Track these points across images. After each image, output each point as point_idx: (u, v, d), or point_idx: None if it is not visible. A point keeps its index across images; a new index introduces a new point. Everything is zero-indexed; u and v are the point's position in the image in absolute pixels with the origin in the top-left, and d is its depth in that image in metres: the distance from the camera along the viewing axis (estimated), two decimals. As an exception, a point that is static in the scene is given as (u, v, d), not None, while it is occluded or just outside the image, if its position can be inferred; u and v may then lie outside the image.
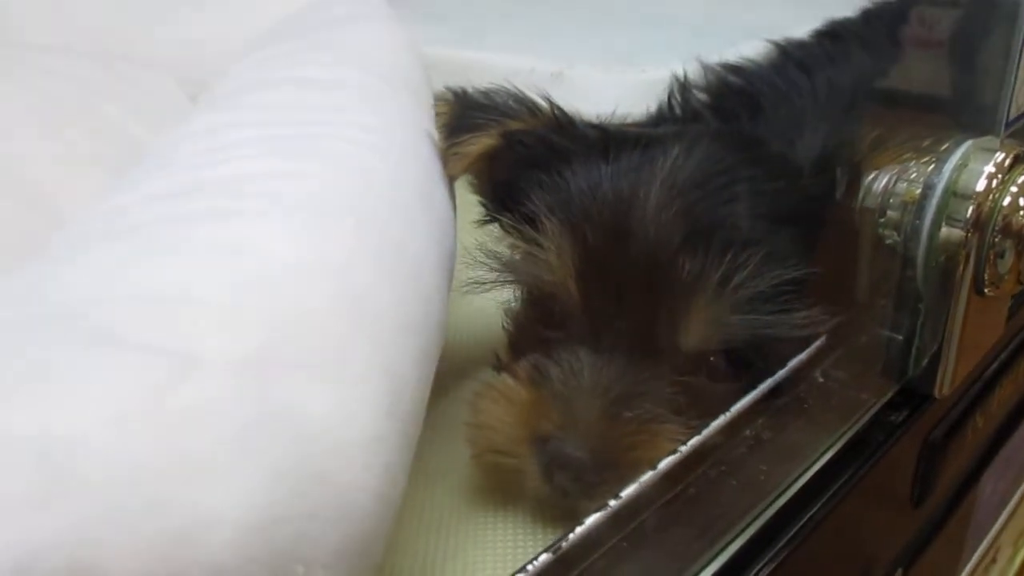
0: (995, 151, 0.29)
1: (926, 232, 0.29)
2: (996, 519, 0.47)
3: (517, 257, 0.38)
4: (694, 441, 0.28)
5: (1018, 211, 0.29)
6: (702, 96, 0.51)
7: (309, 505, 0.18)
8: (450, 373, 0.45)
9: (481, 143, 0.40)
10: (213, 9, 0.76)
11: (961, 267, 0.29)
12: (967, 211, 0.29)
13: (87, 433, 0.15)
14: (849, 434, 0.31)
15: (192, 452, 0.16)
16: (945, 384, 0.30)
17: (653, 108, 0.56)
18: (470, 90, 0.45)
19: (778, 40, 0.55)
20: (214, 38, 0.73)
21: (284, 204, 0.27)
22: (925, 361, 0.30)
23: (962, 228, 0.28)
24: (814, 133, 0.38)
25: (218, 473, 0.17)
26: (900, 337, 0.31)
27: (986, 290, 0.29)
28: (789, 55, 0.50)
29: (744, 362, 0.34)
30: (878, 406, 0.31)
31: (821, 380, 0.33)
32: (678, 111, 0.52)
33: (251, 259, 0.22)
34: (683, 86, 0.53)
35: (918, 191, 0.30)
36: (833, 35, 0.54)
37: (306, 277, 0.23)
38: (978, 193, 0.29)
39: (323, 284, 0.23)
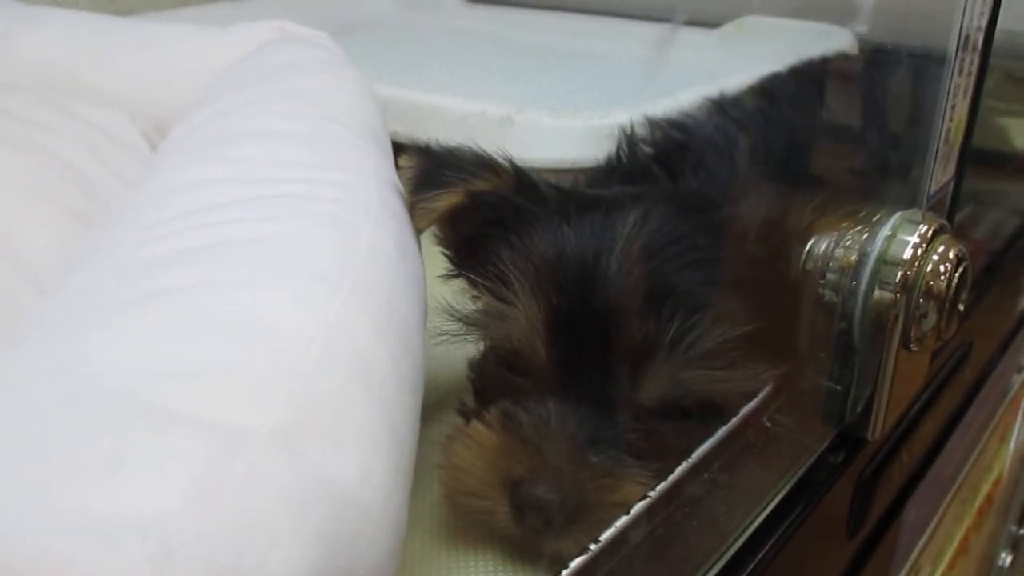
0: (919, 223, 0.33)
1: (861, 294, 0.33)
2: (917, 542, 0.51)
3: (484, 314, 0.40)
4: (662, 485, 0.31)
5: (938, 277, 0.33)
6: (648, 150, 0.55)
7: (344, 563, 0.20)
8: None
9: (447, 200, 0.43)
10: (160, 47, 0.76)
11: (891, 326, 0.32)
12: (896, 276, 0.32)
13: (173, 508, 0.17)
14: (796, 476, 0.34)
15: (254, 520, 0.18)
16: (878, 428, 0.34)
17: (601, 157, 0.60)
18: (434, 145, 0.47)
19: (715, 97, 0.59)
20: (164, 76, 0.74)
21: (282, 272, 0.28)
22: (860, 408, 0.34)
23: (892, 291, 0.32)
24: (757, 197, 0.42)
25: (276, 538, 0.18)
26: (838, 387, 0.35)
27: (912, 346, 0.33)
28: (727, 113, 0.54)
29: (698, 411, 0.37)
30: (820, 450, 0.34)
31: (769, 425, 0.36)
32: (626, 163, 0.55)
33: (263, 329, 0.24)
34: (630, 140, 0.56)
35: (854, 257, 0.33)
36: (765, 93, 0.58)
37: (315, 344, 0.25)
38: (905, 260, 0.32)
39: (331, 350, 0.25)
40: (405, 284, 0.36)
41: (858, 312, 0.33)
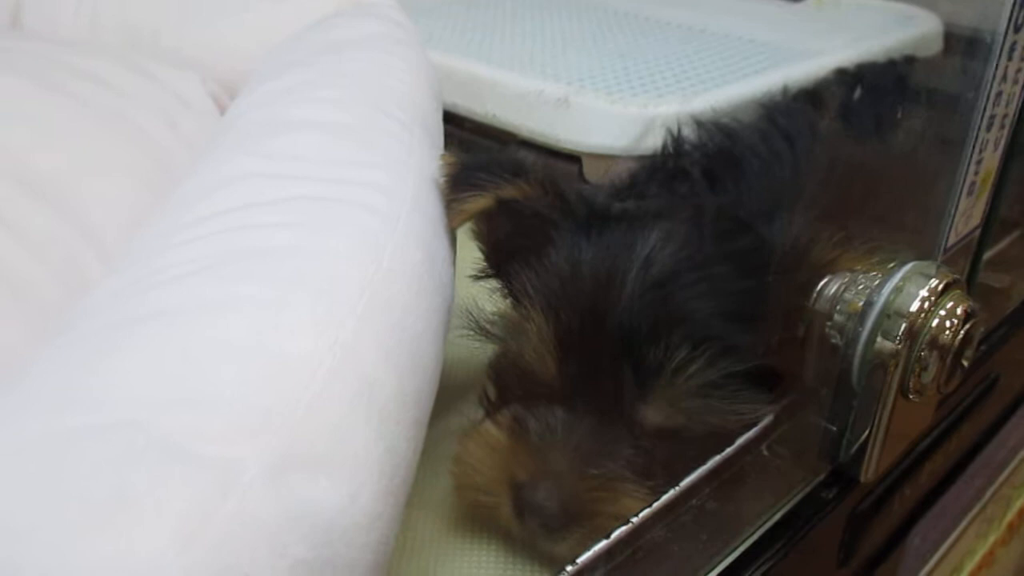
0: (931, 276, 0.33)
1: (863, 341, 0.33)
2: (928, 561, 0.51)
3: (500, 322, 0.42)
4: (648, 510, 0.33)
5: (944, 331, 0.33)
6: (694, 153, 0.55)
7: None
8: (440, 403, 0.49)
9: (476, 202, 0.44)
10: (236, 11, 0.79)
11: (890, 375, 0.33)
12: (900, 328, 0.33)
13: (163, 553, 0.19)
14: (786, 507, 0.35)
15: (235, 559, 0.20)
16: (870, 471, 0.34)
17: (654, 145, 0.60)
18: (475, 152, 0.48)
19: (769, 100, 0.59)
20: (237, 40, 0.76)
21: (297, 290, 0.30)
22: (854, 450, 0.35)
23: (893, 342, 0.33)
24: (786, 223, 0.42)
25: (255, 573, 0.21)
26: (834, 427, 0.35)
27: (911, 396, 0.33)
28: (776, 122, 0.53)
29: (699, 435, 0.39)
30: (812, 484, 0.35)
31: (766, 453, 0.37)
32: (670, 164, 0.55)
33: (270, 355, 0.26)
34: (676, 140, 0.56)
35: (861, 303, 0.34)
36: (819, 100, 0.57)
37: (322, 370, 0.27)
38: (911, 313, 0.33)
39: (337, 376, 0.27)
40: (426, 294, 0.37)
41: (858, 358, 0.33)
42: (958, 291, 0.33)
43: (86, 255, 0.49)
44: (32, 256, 0.47)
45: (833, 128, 0.53)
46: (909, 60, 0.69)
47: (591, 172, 0.72)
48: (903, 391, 0.33)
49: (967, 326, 0.33)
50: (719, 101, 0.74)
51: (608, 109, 0.71)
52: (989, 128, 0.33)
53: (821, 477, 0.36)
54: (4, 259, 0.45)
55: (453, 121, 0.82)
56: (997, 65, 0.31)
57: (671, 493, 0.36)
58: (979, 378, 0.46)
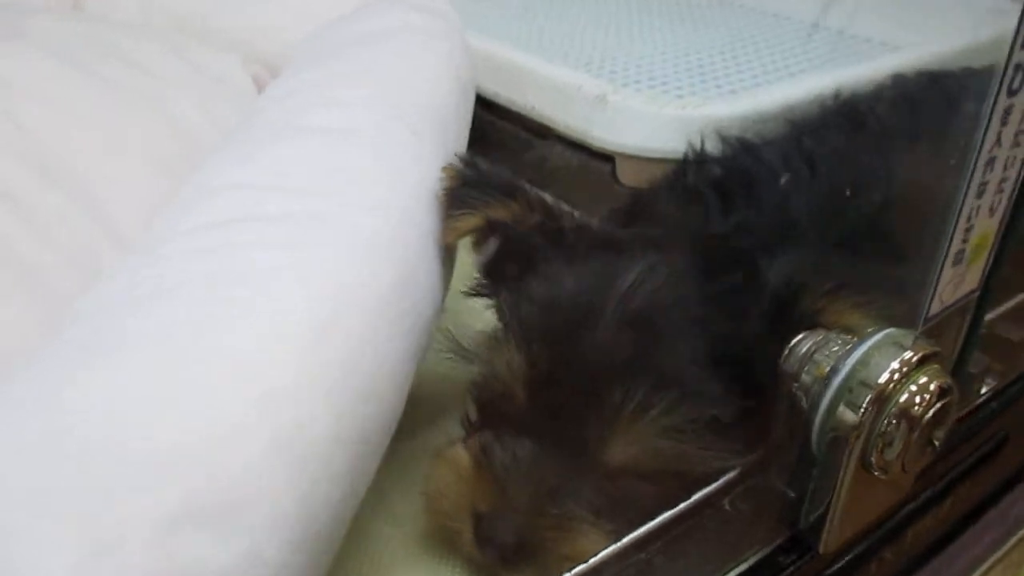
0: (906, 348, 0.31)
1: (824, 408, 0.31)
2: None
3: (477, 347, 0.41)
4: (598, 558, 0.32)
5: (913, 407, 0.31)
6: (713, 172, 0.53)
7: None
8: (425, 417, 0.50)
9: (468, 221, 0.44)
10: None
11: (850, 447, 0.31)
12: (865, 399, 0.31)
13: None
14: (740, 567, 0.34)
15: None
16: (829, 544, 0.33)
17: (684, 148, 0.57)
18: (479, 163, 0.47)
19: (798, 117, 0.56)
20: (280, 23, 0.77)
21: (250, 326, 0.31)
22: (813, 519, 0.33)
23: (856, 413, 0.31)
24: (783, 263, 0.40)
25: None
26: (793, 494, 0.34)
27: (875, 472, 0.32)
28: (802, 144, 0.51)
29: (663, 480, 0.38)
30: (770, 548, 0.34)
31: (728, 508, 0.36)
32: (688, 180, 0.53)
33: (198, 402, 0.27)
34: (699, 156, 0.54)
35: (828, 368, 0.32)
36: (855, 121, 0.54)
37: (249, 415, 0.27)
38: (878, 384, 0.31)
39: (261, 425, 0.27)
40: (393, 320, 0.37)
41: (818, 425, 0.32)
42: (935, 366, 0.31)
43: (98, 240, 0.50)
44: (42, 241, 0.48)
45: (863, 153, 0.50)
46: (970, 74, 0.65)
47: (624, 173, 0.71)
48: (865, 465, 0.31)
49: (940, 404, 0.31)
50: (769, 103, 0.71)
51: (644, 109, 0.69)
52: (981, 195, 0.30)
53: (779, 541, 0.34)
54: (13, 243, 0.47)
55: (495, 111, 0.81)
56: (987, 129, 0.28)
57: (624, 541, 0.35)
58: (984, 437, 0.43)
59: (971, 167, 0.29)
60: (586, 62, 0.77)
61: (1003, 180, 0.31)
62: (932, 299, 0.32)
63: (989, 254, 0.33)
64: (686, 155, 0.55)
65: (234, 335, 0.30)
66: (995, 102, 0.28)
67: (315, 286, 0.34)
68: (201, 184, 0.44)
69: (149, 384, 0.27)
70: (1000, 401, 0.43)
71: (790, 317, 0.37)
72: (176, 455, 0.25)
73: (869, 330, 0.32)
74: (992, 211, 0.31)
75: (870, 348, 0.31)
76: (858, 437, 0.31)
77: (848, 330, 0.37)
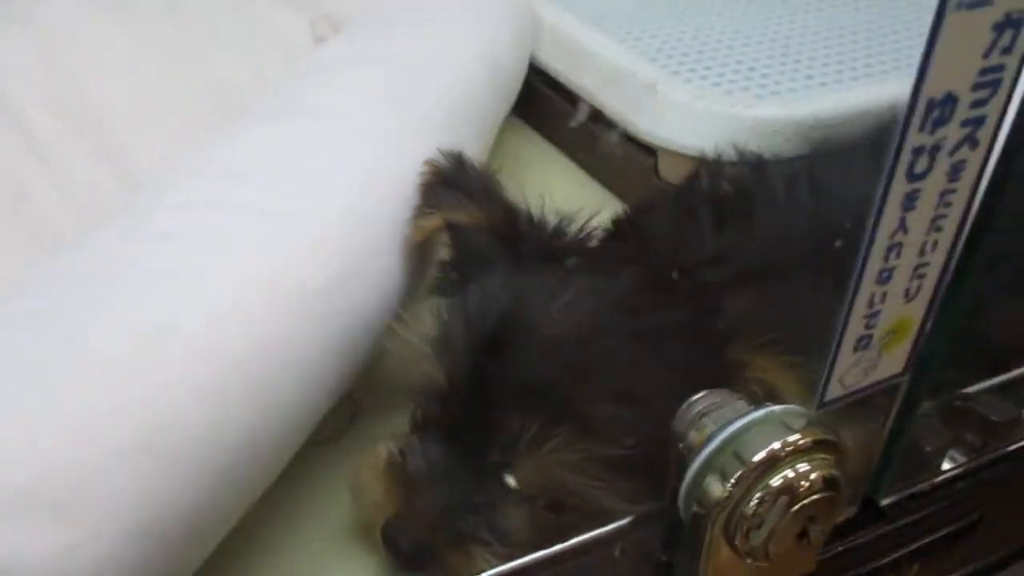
0: (795, 430, 0.29)
1: (693, 473, 0.30)
2: None
3: (407, 350, 0.41)
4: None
5: (785, 493, 0.29)
6: (724, 186, 0.50)
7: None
8: (374, 412, 0.50)
9: (430, 221, 0.44)
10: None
11: (713, 521, 0.29)
12: (735, 474, 0.29)
13: None
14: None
15: None
16: (698, 617, 0.31)
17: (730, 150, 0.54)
18: (464, 160, 0.46)
19: (820, 142, 0.51)
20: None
21: (146, 317, 0.32)
22: (685, 586, 0.32)
23: (723, 487, 0.29)
24: (735, 306, 0.38)
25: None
26: (664, 558, 0.32)
27: (744, 555, 0.30)
28: (811, 171, 0.47)
29: (561, 511, 0.37)
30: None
31: (617, 555, 0.35)
32: (696, 192, 0.50)
33: (57, 397, 0.29)
34: (712, 168, 0.51)
35: (710, 431, 0.30)
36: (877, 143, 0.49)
37: (103, 417, 0.29)
38: (752, 463, 0.29)
39: (119, 423, 0.29)
40: (317, 319, 0.38)
41: (684, 491, 0.30)
42: (823, 455, 0.29)
43: (111, 189, 0.53)
44: (53, 181, 0.51)
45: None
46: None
47: (665, 169, 0.68)
48: (729, 542, 0.30)
49: (819, 496, 0.29)
50: (832, 108, 0.65)
51: (691, 104, 0.66)
52: (885, 281, 0.27)
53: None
54: (24, 179, 0.50)
55: (556, 88, 0.79)
56: (881, 215, 0.25)
57: (505, 567, 0.35)
58: (946, 519, 0.40)
59: (863, 253, 0.26)
60: (647, 46, 0.74)
61: (921, 265, 0.27)
62: (827, 384, 0.29)
63: (916, 338, 0.30)
64: (700, 164, 0.52)
65: (110, 333, 0.32)
66: (889, 186, 0.24)
67: (217, 281, 0.35)
68: (182, 161, 0.46)
69: (12, 375, 0.29)
70: (970, 480, 0.39)
71: (713, 366, 0.35)
72: (15, 448, 0.27)
73: (767, 404, 0.30)
74: (909, 296, 0.28)
75: (753, 421, 0.29)
76: (720, 513, 0.29)
77: (772, 392, 0.35)
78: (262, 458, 0.36)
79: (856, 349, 0.28)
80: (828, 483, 0.29)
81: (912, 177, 0.25)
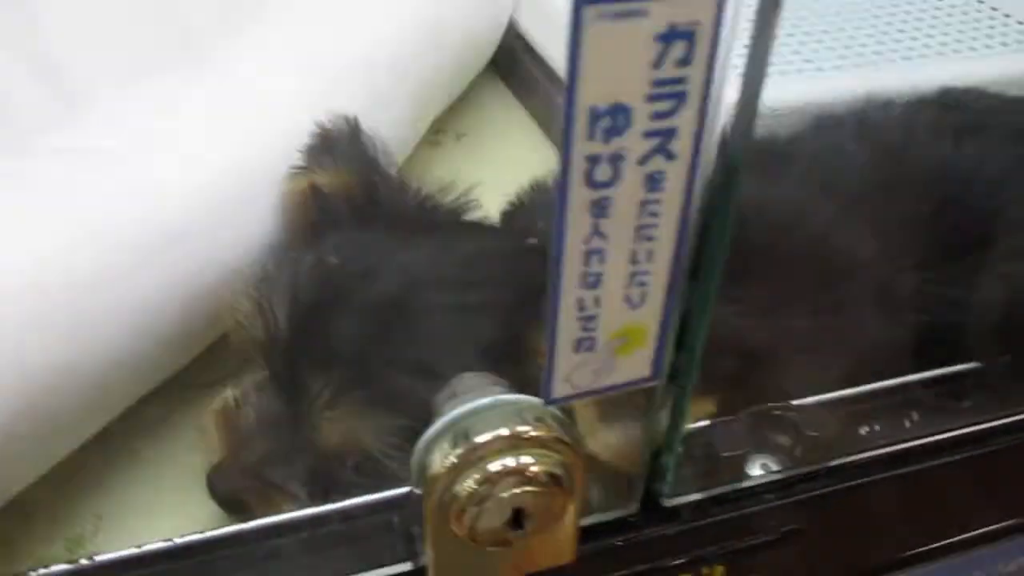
0: (526, 422, 0.29)
1: (422, 447, 0.30)
2: None
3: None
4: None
5: (499, 481, 0.29)
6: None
7: None
8: None
9: (297, 182, 0.45)
10: None
11: (430, 492, 0.30)
12: (457, 450, 0.29)
13: None
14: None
15: None
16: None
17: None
18: (355, 126, 0.47)
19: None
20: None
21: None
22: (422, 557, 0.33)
23: (443, 462, 0.29)
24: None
25: None
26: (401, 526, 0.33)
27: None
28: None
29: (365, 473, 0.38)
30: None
31: (394, 521, 0.36)
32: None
33: None
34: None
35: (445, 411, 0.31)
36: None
37: None
38: (475, 443, 0.29)
39: None
40: (155, 271, 0.40)
41: (415, 458, 0.31)
42: (550, 452, 0.29)
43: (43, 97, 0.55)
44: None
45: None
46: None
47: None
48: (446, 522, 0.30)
49: (535, 489, 0.29)
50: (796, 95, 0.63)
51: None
52: (593, 286, 0.27)
53: (398, 569, 0.34)
54: None
55: (533, 56, 0.78)
56: (563, 218, 0.25)
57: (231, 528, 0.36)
58: (763, 526, 0.39)
59: (555, 254, 0.25)
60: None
61: (639, 273, 0.27)
62: (550, 382, 0.29)
63: (659, 345, 0.29)
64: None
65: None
66: (565, 191, 0.24)
67: (54, 221, 0.37)
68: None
69: None
70: (782, 492, 0.39)
71: (519, 349, 0.36)
72: None
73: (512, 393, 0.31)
74: (632, 303, 0.28)
75: (492, 404, 0.30)
76: (434, 488, 0.30)
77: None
78: (88, 394, 0.38)
79: (578, 350, 0.28)
80: (550, 478, 0.29)
81: (595, 185, 0.24)
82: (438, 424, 0.30)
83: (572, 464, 0.31)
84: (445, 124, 0.74)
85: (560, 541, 0.34)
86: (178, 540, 0.34)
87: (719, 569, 0.40)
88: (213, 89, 0.48)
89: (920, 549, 0.43)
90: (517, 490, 0.30)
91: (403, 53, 0.58)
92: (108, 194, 0.39)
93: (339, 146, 0.46)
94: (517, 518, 0.30)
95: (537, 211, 0.47)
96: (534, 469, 0.29)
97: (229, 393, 0.43)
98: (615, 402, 0.33)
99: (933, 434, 0.40)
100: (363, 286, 0.38)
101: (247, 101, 0.48)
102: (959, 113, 0.50)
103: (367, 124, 0.46)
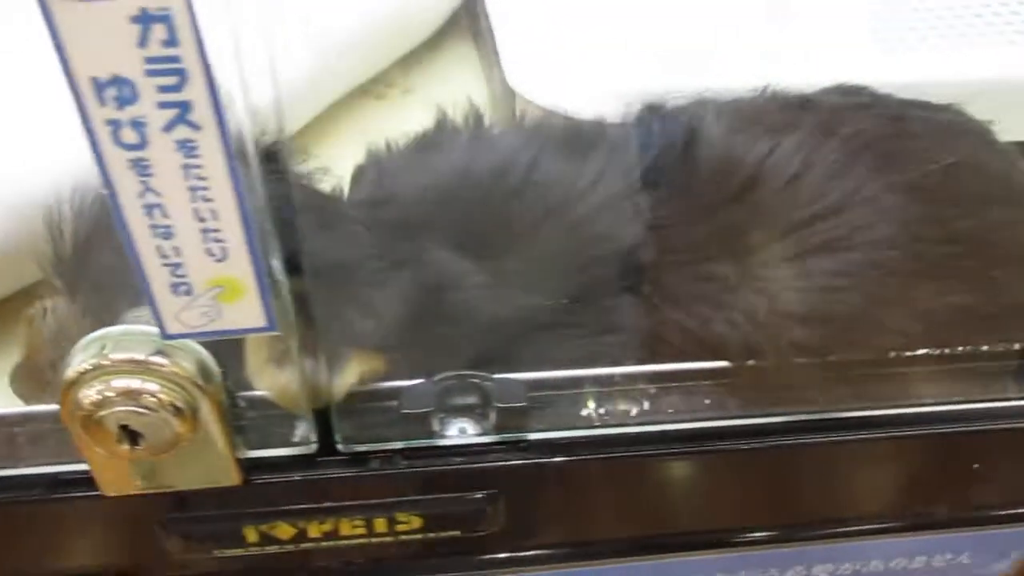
0: (155, 351, 0.33)
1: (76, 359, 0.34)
2: None
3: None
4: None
5: (116, 397, 0.33)
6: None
7: None
8: None
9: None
10: None
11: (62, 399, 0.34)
12: (90, 362, 0.33)
13: None
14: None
15: None
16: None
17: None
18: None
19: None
20: None
21: None
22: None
23: (75, 369, 0.33)
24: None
25: None
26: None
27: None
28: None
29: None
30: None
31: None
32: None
33: None
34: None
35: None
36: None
37: None
38: (111, 360, 0.33)
39: None
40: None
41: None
42: (167, 382, 0.33)
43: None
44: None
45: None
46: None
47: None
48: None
49: (133, 410, 0.33)
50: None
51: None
52: (168, 237, 0.30)
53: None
54: None
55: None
56: (106, 174, 0.28)
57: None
58: (456, 483, 0.41)
59: (114, 202, 0.29)
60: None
61: (211, 231, 0.30)
62: (160, 321, 0.32)
63: (263, 297, 0.32)
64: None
65: None
66: (97, 151, 0.27)
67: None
68: None
69: None
70: (477, 456, 0.41)
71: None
72: None
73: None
74: (216, 257, 0.30)
75: (143, 332, 0.34)
76: (68, 389, 0.34)
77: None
78: None
79: (176, 294, 0.32)
80: (166, 406, 0.33)
81: (126, 147, 0.27)
82: (92, 335, 0.35)
83: (196, 399, 0.34)
84: (394, 78, 0.77)
85: (216, 465, 0.38)
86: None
87: (416, 520, 0.43)
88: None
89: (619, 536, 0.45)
90: (124, 408, 0.34)
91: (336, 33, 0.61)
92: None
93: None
94: (133, 436, 0.35)
95: (383, 174, 0.50)
96: (154, 397, 0.33)
97: (40, 304, 0.49)
98: (280, 347, 0.36)
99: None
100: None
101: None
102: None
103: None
